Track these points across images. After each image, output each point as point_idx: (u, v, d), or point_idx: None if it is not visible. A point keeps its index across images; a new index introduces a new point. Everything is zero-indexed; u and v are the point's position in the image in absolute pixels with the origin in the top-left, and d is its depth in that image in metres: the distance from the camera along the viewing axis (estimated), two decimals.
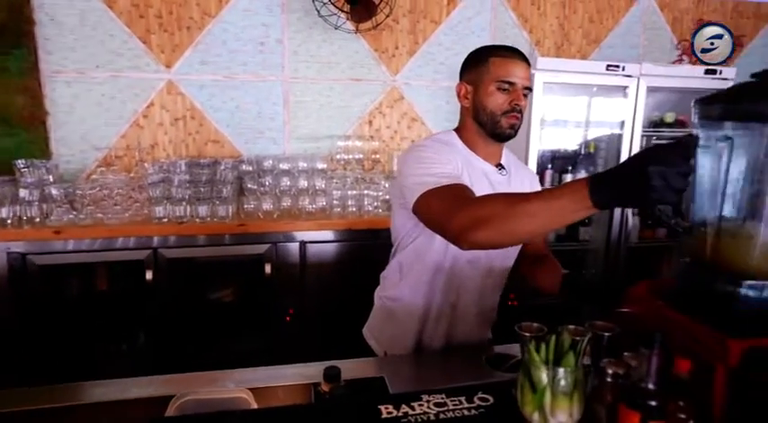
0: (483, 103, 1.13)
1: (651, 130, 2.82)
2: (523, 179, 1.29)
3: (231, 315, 2.36)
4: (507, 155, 1.28)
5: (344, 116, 2.82)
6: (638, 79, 2.61)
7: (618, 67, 2.56)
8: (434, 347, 1.29)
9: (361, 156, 2.71)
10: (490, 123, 1.14)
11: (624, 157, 2.66)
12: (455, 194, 0.96)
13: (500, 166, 1.23)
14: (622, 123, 2.68)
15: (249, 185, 2.43)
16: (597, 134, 2.86)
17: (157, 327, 2.20)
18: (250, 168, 2.51)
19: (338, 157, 2.73)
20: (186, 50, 2.55)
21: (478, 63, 1.16)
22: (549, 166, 2.81)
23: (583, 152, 2.89)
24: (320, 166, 2.60)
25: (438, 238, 1.13)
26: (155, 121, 2.58)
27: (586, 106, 2.86)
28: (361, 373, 1.09)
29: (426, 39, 2.86)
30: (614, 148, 2.74)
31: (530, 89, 1.15)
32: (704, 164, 0.66)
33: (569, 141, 2.91)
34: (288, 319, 2.36)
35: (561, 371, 0.65)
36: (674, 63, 3.21)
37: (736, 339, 0.62)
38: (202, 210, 2.21)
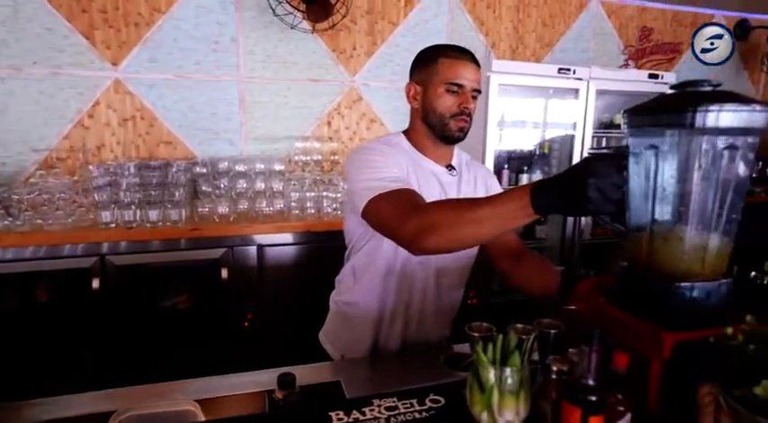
0: (432, 104, 1.13)
1: (601, 131, 2.93)
2: (477, 179, 1.29)
3: (186, 323, 2.27)
4: (459, 155, 1.28)
5: (302, 117, 2.78)
6: (588, 82, 2.71)
7: (569, 70, 2.65)
8: (391, 349, 1.28)
9: (319, 157, 2.68)
10: (439, 126, 1.14)
11: (576, 156, 2.76)
12: (404, 200, 0.95)
13: (450, 167, 1.23)
14: (575, 125, 2.78)
15: (204, 188, 2.35)
16: (552, 135, 2.95)
17: (106, 338, 2.09)
18: (204, 170, 2.43)
19: (296, 158, 2.69)
20: (134, 48, 2.44)
21: (428, 63, 1.14)
22: (506, 166, 2.87)
23: (538, 152, 2.97)
24: (278, 167, 2.55)
25: (387, 241, 1.12)
26: (101, 121, 2.45)
27: (543, 108, 2.94)
28: (318, 378, 1.07)
29: (384, 40, 2.86)
30: (567, 148, 2.84)
31: (479, 91, 1.15)
32: (636, 171, 0.69)
33: (528, 142, 2.99)
34: (246, 324, 2.30)
35: (508, 370, 0.66)
36: (621, 67, 3.36)
37: (670, 333, 0.64)
38: (153, 214, 2.12)
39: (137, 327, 2.14)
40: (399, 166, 1.09)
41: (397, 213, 0.92)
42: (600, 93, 2.78)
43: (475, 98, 1.14)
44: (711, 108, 0.61)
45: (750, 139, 0.65)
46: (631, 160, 0.70)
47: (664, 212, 0.68)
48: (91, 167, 2.23)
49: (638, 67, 3.42)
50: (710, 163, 0.64)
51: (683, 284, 0.67)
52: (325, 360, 1.33)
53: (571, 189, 0.69)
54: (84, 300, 2.03)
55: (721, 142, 0.64)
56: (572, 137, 2.79)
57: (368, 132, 2.92)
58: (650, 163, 0.68)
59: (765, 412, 0.48)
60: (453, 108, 1.12)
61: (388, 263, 1.20)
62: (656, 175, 0.67)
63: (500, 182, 2.78)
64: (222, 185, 2.38)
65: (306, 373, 1.03)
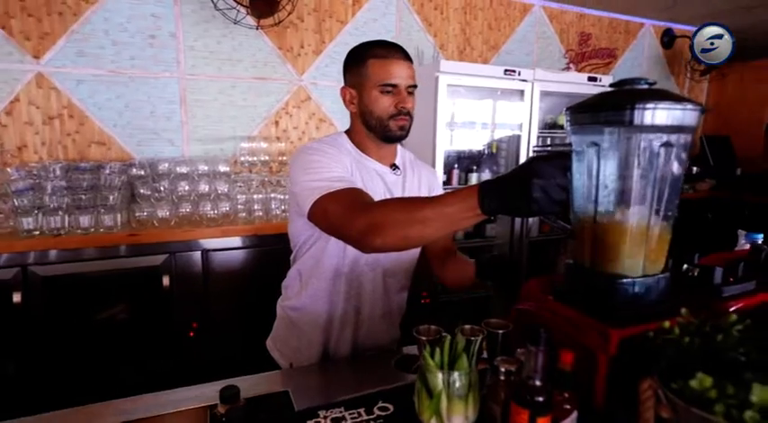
0: (369, 107, 1.11)
1: (546, 131, 3.03)
2: (421, 178, 1.28)
3: (125, 336, 2.13)
4: (403, 154, 1.28)
5: (249, 116, 2.68)
6: (533, 84, 2.79)
7: (515, 71, 2.71)
8: (342, 355, 1.25)
9: (267, 158, 2.60)
10: (379, 127, 1.12)
11: (523, 155, 2.84)
12: (351, 199, 0.94)
13: (394, 167, 1.22)
14: (521, 125, 2.85)
15: (142, 191, 2.21)
16: (500, 135, 3.02)
17: (31, 357, 1.92)
18: (143, 172, 2.29)
19: (242, 159, 2.59)
20: (59, 40, 2.26)
21: (358, 66, 1.11)
22: (456, 165, 2.90)
23: (486, 152, 3.03)
24: (223, 168, 2.45)
25: (333, 242, 1.12)
26: (21, 119, 2.25)
27: (491, 109, 3.01)
28: (265, 388, 1.02)
29: (333, 38, 2.82)
30: (514, 147, 2.91)
31: (415, 86, 1.13)
32: (578, 169, 0.70)
33: (477, 142, 3.05)
34: (191, 334, 2.18)
35: (456, 374, 0.65)
36: (563, 70, 3.49)
37: (616, 329, 0.65)
38: (84, 220, 1.97)
39: (67, 343, 1.98)
40: (343, 166, 1.07)
41: (345, 212, 0.90)
42: (544, 94, 2.87)
43: (411, 94, 1.13)
44: (648, 105, 0.62)
45: (683, 138, 0.67)
46: (574, 158, 0.71)
47: (606, 209, 0.69)
48: (8, 170, 2.03)
49: (579, 71, 3.58)
50: (648, 160, 0.66)
51: (625, 281, 0.68)
52: (275, 369, 1.28)
53: (516, 190, 0.70)
54: (4, 315, 1.84)
55: (658, 140, 0.65)
56: (518, 137, 2.87)
57: (317, 132, 2.86)
58: (592, 160, 0.68)
59: (701, 404, 0.49)
60: (390, 109, 1.10)
61: (336, 265, 1.17)
62: (597, 173, 0.68)
63: (450, 181, 2.87)
64: (162, 188, 2.25)
65: (253, 384, 0.99)
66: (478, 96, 2.93)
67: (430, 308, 2.70)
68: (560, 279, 0.80)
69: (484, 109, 3.00)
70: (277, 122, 2.76)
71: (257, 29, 2.52)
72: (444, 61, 2.58)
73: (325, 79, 2.82)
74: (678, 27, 3.98)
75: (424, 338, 0.73)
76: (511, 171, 0.73)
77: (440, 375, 0.65)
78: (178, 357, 2.13)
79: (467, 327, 0.76)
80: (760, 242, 1.51)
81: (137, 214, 2.12)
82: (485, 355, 0.83)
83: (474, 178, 2.89)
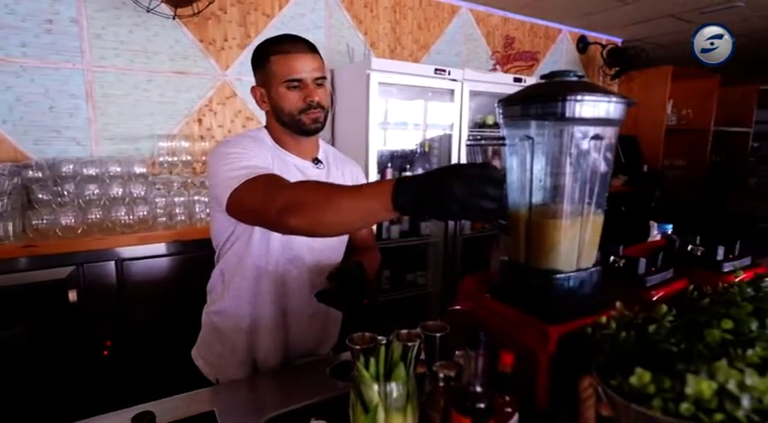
0: (278, 105, 1.09)
1: (476, 130, 3.11)
2: (344, 173, 1.27)
3: (24, 360, 1.87)
4: (326, 149, 1.27)
5: (168, 113, 2.48)
6: (462, 83, 2.84)
7: (444, 71, 2.74)
8: (271, 363, 1.17)
9: (189, 158, 2.42)
10: (292, 123, 1.10)
11: (455, 153, 2.88)
12: (267, 182, 0.91)
13: (317, 161, 1.20)
14: (452, 125, 2.89)
15: (40, 196, 1.96)
16: (433, 135, 3.05)
17: None
18: (41, 175, 2.03)
19: (161, 159, 2.39)
20: None
21: (262, 64, 1.10)
22: (389, 164, 2.89)
23: (419, 151, 3.05)
24: (139, 170, 2.24)
25: (256, 239, 1.09)
26: None
27: (423, 109, 3.03)
28: (189, 409, 0.93)
29: (259, 32, 2.69)
30: (446, 146, 2.95)
31: (323, 78, 1.10)
32: (511, 163, 0.68)
33: (411, 141, 3.06)
34: (105, 353, 1.97)
35: (393, 385, 0.60)
36: (490, 71, 3.60)
37: (554, 326, 0.64)
38: None
39: None
40: (263, 158, 1.04)
41: (263, 196, 0.88)
42: (473, 94, 2.93)
43: (321, 85, 1.10)
44: (579, 97, 0.61)
45: (611, 131, 0.67)
46: (507, 152, 0.69)
47: (540, 203, 0.68)
48: None
49: (505, 72, 3.71)
50: (580, 153, 0.65)
51: (560, 276, 0.67)
52: (203, 383, 1.18)
53: (433, 191, 0.65)
54: None
55: (589, 132, 0.65)
56: (450, 136, 2.91)
57: (244, 130, 2.71)
58: (525, 154, 0.67)
59: (640, 399, 0.48)
60: (299, 104, 1.07)
61: (259, 264, 1.11)
62: (530, 166, 0.66)
63: (384, 179, 2.84)
64: (67, 192, 2.01)
65: (175, 406, 0.91)
66: (411, 97, 2.94)
67: (368, 309, 2.65)
68: (495, 276, 0.78)
69: (416, 109, 3.02)
70: (200, 120, 2.58)
71: (174, 18, 2.33)
72: (375, 59, 2.55)
73: (251, 75, 2.67)
74: (591, 34, 4.26)
75: (357, 347, 0.68)
76: (427, 172, 0.69)
77: (376, 387, 0.60)
78: (91, 380, 1.92)
79: (403, 332, 0.72)
80: (670, 232, 1.62)
81: (34, 222, 1.87)
82: (422, 356, 0.80)
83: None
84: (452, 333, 0.77)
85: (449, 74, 2.76)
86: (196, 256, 2.06)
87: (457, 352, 0.69)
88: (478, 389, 0.56)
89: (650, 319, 0.57)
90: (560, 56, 4.16)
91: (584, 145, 0.65)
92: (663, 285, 0.85)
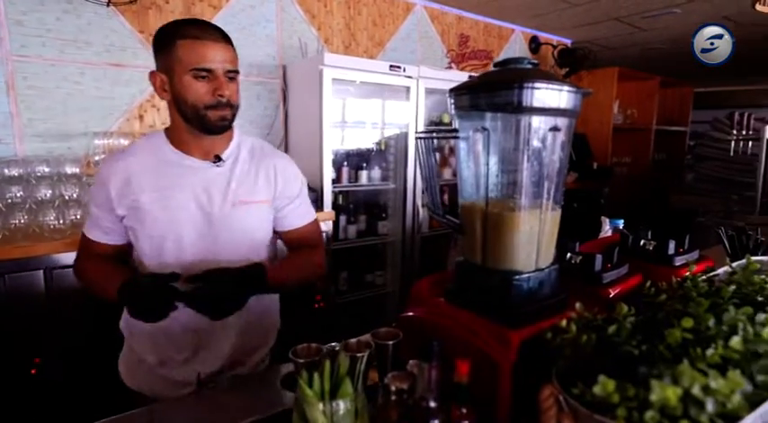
0: (182, 95, 0.97)
1: (432, 128, 3.09)
2: (263, 169, 1.12)
3: None
4: (243, 143, 1.13)
5: (105, 109, 2.30)
6: (418, 81, 2.81)
7: (399, 67, 2.70)
8: (210, 372, 1.09)
9: None
10: (196, 118, 0.99)
11: (411, 151, 2.86)
12: (81, 247, 1.13)
13: (218, 159, 1.07)
14: (408, 123, 2.86)
15: None
16: (390, 133, 3.02)
17: None
18: None
19: (97, 158, 2.21)
20: None
21: (166, 47, 0.97)
22: (345, 163, 2.83)
23: (375, 150, 3.00)
24: (71, 170, 2.06)
25: (149, 242, 1.04)
26: None
27: (380, 108, 3.00)
28: None
29: None
30: (402, 145, 2.92)
31: (236, 72, 1.01)
32: (465, 156, 0.64)
33: (368, 140, 3.02)
34: (33, 371, 1.79)
35: (339, 403, 0.54)
36: (446, 69, 3.60)
37: (515, 331, 0.60)
38: None
39: None
40: (103, 198, 1.04)
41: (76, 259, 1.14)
42: (429, 92, 2.91)
43: (233, 80, 1.00)
44: (535, 84, 0.58)
45: (567, 122, 0.64)
46: (460, 145, 0.64)
47: (495, 198, 0.63)
48: None
49: (460, 70, 3.72)
50: (536, 145, 0.62)
51: (520, 277, 0.63)
52: (141, 399, 1.10)
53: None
54: None
55: (544, 123, 0.61)
56: (406, 134, 2.88)
57: (140, 137, 2.56)
58: (479, 146, 0.63)
59: (603, 409, 0.44)
60: (207, 97, 0.97)
61: (157, 267, 1.04)
62: (485, 160, 0.62)
63: (339, 179, 2.78)
64: None
65: None
66: (368, 95, 2.90)
67: (325, 311, 2.58)
68: (451, 277, 0.74)
69: (374, 108, 2.98)
70: (141, 117, 2.41)
71: (108, 5, 2.16)
72: (329, 54, 2.47)
73: None
74: (543, 35, 4.36)
75: (301, 361, 0.62)
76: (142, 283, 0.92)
77: (320, 407, 0.53)
78: (17, 402, 1.73)
79: (352, 341, 0.66)
80: (622, 227, 1.65)
81: None
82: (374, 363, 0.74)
83: (364, 175, 2.83)
84: (406, 341, 0.72)
85: (404, 71, 2.73)
86: None
87: (410, 361, 0.64)
88: (432, 404, 0.51)
89: (610, 320, 0.54)
90: (513, 55, 4.22)
91: (541, 136, 0.62)
92: (619, 282, 0.84)
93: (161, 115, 2.47)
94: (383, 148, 3.00)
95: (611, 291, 0.81)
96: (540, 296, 0.66)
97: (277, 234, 1.20)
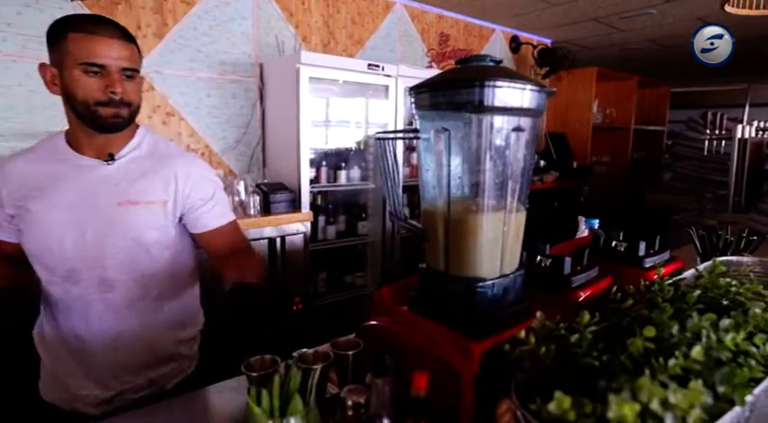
0: (71, 90, 0.92)
1: (412, 127, 3.07)
2: (161, 169, 1.05)
3: None
4: (144, 141, 1.06)
5: None
6: (397, 79, 2.78)
7: (378, 66, 2.67)
8: (123, 389, 1.04)
9: None
10: (87, 114, 0.94)
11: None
12: None
13: (111, 157, 1.01)
14: (387, 123, 2.84)
15: None
16: (372, 132, 2.99)
17: None
18: None
19: None
20: None
21: (58, 40, 0.92)
22: (324, 163, 2.79)
23: (354, 149, 2.97)
24: None
25: (35, 244, 0.99)
26: None
27: (365, 107, 2.97)
28: None
29: (177, 21, 2.47)
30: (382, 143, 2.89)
31: (134, 70, 0.96)
32: (426, 158, 0.61)
33: (352, 140, 3.00)
34: None
35: (290, 421, 0.51)
36: (426, 68, 3.58)
37: (476, 342, 0.57)
38: None
39: None
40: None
41: None
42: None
43: (131, 78, 0.95)
44: (497, 83, 0.55)
45: (531, 122, 0.62)
46: (421, 146, 0.62)
47: (458, 202, 0.61)
48: None
49: (441, 69, 3.71)
50: (499, 145, 0.59)
51: (483, 284, 0.61)
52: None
53: None
54: None
55: (507, 122, 0.59)
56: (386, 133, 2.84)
57: (165, 128, 2.50)
58: (440, 147, 0.60)
59: None
60: (98, 94, 0.92)
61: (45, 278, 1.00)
62: (447, 162, 0.60)
63: (318, 179, 2.74)
64: None
65: None
66: (352, 94, 2.88)
67: (304, 313, 2.53)
68: (415, 285, 0.71)
69: (358, 107, 2.96)
70: None
71: (73, 0, 2.09)
72: (305, 52, 2.43)
73: (170, 67, 2.47)
74: (523, 34, 4.38)
75: (254, 375, 0.58)
76: None
77: None
78: None
79: (308, 352, 0.63)
80: (597, 227, 1.65)
81: None
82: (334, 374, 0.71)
83: (343, 175, 2.79)
84: (368, 350, 0.69)
85: (382, 69, 2.69)
86: None
87: (369, 374, 0.61)
88: (386, 421, 0.48)
89: (573, 329, 0.52)
90: (494, 55, 4.20)
91: (504, 136, 0.60)
92: (588, 285, 0.83)
93: None
94: (362, 147, 2.97)
95: (580, 294, 0.80)
96: (504, 303, 0.64)
97: (198, 243, 1.14)
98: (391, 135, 0.63)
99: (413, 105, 0.63)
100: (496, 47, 4.25)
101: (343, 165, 2.82)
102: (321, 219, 2.79)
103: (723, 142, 3.59)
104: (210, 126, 2.61)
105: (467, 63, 0.61)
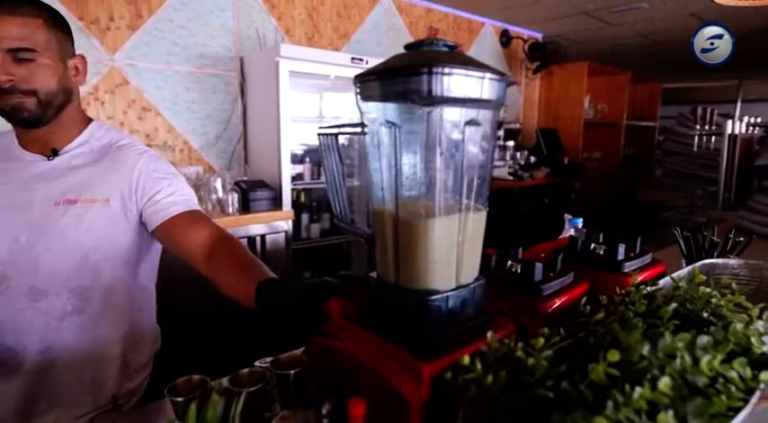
0: None
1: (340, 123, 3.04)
2: (108, 164, 0.95)
3: None
4: (92, 138, 0.98)
5: None
6: None
7: (362, 60, 2.60)
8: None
9: None
10: None
11: None
12: None
13: (54, 153, 0.93)
14: None
15: None
16: None
17: None
18: None
19: None
20: None
21: None
22: (307, 159, 2.72)
23: (342, 145, 2.91)
24: None
25: None
26: None
27: (354, 103, 2.92)
28: None
29: (152, 12, 2.39)
30: (325, 140, 2.85)
31: (29, 50, 0.82)
32: (372, 155, 0.55)
33: (342, 136, 2.95)
34: None
35: None
36: None
37: (426, 363, 0.51)
38: None
39: None
40: None
41: None
42: None
43: (27, 61, 0.82)
44: (447, 70, 0.49)
45: (489, 115, 0.56)
46: (367, 142, 0.55)
47: (408, 204, 0.55)
48: None
49: None
50: (452, 140, 0.53)
51: (436, 297, 0.55)
52: None
53: None
54: None
55: (462, 115, 0.52)
56: None
57: (141, 124, 2.41)
58: (388, 143, 0.54)
59: None
60: None
61: None
62: (396, 160, 0.53)
63: (302, 175, 2.67)
64: None
65: None
66: (343, 90, 2.84)
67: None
68: (365, 298, 0.64)
69: (346, 103, 2.91)
70: (84, 111, 2.25)
71: None
72: (285, 45, 2.35)
73: (146, 60, 2.39)
74: (513, 29, 4.31)
75: (179, 400, 0.52)
76: None
77: None
78: None
79: (244, 371, 0.56)
80: (580, 226, 1.59)
81: None
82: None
83: None
84: (314, 368, 0.62)
85: (366, 63, 2.62)
86: None
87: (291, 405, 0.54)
88: None
89: (529, 352, 0.45)
90: (484, 49, 4.16)
91: (459, 131, 0.53)
92: (562, 293, 0.77)
93: (107, 109, 2.31)
94: (346, 143, 2.90)
95: (551, 304, 0.74)
96: (462, 317, 0.57)
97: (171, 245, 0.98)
98: (335, 130, 0.57)
99: (357, 96, 0.57)
100: (486, 41, 4.18)
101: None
102: (304, 217, 2.72)
103: (713, 138, 3.54)
104: (190, 121, 2.53)
105: (417, 48, 0.55)
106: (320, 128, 0.57)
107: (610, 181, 4.90)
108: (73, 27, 2.19)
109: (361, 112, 0.56)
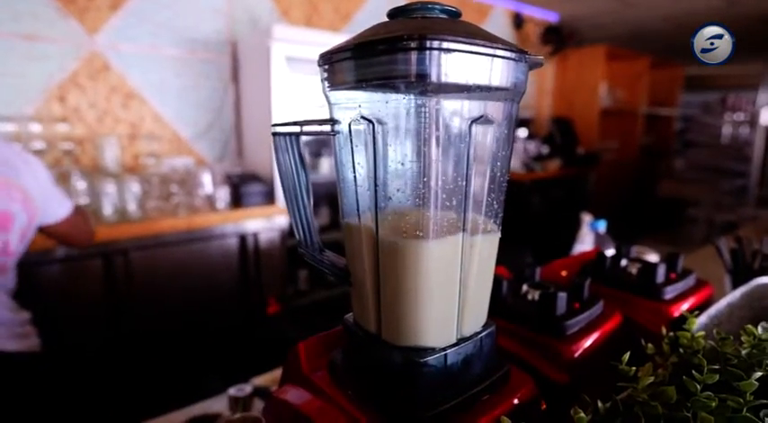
0: None
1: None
2: None
3: None
4: None
5: (15, 89, 1.99)
6: None
7: None
8: None
9: (44, 145, 1.95)
10: None
11: None
12: None
13: None
14: None
15: None
16: None
17: None
18: None
19: None
20: None
21: None
22: (307, 150, 2.56)
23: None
24: None
25: None
26: None
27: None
28: None
29: None
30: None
31: None
32: (344, 163, 0.39)
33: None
34: None
35: None
36: None
37: None
38: None
39: None
40: None
41: None
42: None
43: None
44: (445, 44, 0.32)
45: (505, 107, 0.39)
46: (336, 143, 0.40)
47: (390, 231, 0.39)
48: None
49: None
50: (454, 144, 0.37)
51: (431, 357, 0.39)
52: None
53: None
54: None
55: (465, 108, 0.36)
56: None
57: (125, 112, 2.26)
58: (364, 146, 0.38)
59: None
60: None
61: None
62: (374, 169, 0.38)
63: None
64: None
65: None
66: None
67: (281, 317, 2.33)
68: (341, 343, 0.49)
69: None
70: (62, 98, 2.10)
71: None
72: (278, 26, 2.17)
73: (130, 43, 2.23)
74: (526, 11, 4.07)
75: None
76: None
77: None
78: None
79: None
80: (603, 231, 1.42)
81: None
82: None
83: (324, 163, 2.57)
84: None
85: None
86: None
87: None
88: None
89: None
90: (496, 31, 3.93)
91: (462, 131, 0.37)
92: (590, 330, 0.61)
93: (87, 96, 2.16)
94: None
95: (580, 345, 0.58)
96: (464, 381, 0.42)
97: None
98: (296, 129, 0.41)
99: (324, 83, 0.41)
100: (497, 23, 3.96)
101: (324, 152, 2.60)
102: None
103: (743, 128, 3.32)
104: (178, 110, 2.38)
105: (405, 15, 0.38)
106: (274, 125, 0.41)
107: (627, 173, 4.68)
108: (48, 6, 2.04)
109: (330, 104, 0.40)
